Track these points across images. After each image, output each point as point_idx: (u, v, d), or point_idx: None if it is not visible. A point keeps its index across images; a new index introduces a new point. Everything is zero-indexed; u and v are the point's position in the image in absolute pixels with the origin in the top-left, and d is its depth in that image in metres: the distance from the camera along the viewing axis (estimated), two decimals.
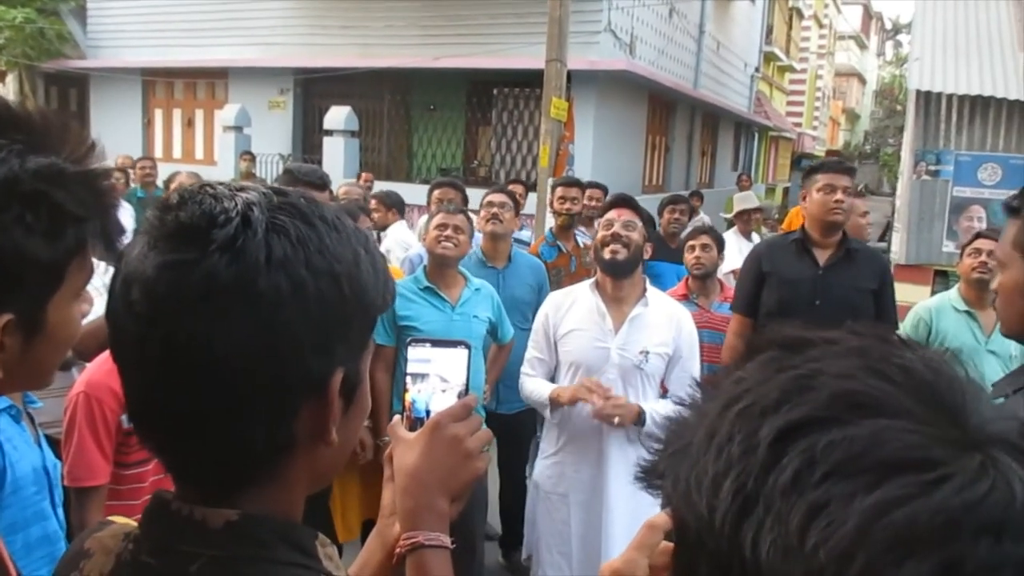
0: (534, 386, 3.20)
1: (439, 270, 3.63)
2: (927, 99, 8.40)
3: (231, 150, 13.06)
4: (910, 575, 0.39)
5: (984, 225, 7.91)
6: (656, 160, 16.12)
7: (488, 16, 12.31)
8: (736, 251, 6.28)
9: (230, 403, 0.66)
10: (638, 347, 3.05)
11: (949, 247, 8.16)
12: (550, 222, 8.13)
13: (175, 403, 0.67)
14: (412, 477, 0.96)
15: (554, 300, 3.28)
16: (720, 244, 4.60)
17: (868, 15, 49.31)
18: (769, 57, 25.33)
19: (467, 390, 1.05)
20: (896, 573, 0.39)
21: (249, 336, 0.65)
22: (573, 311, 3.16)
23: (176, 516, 0.71)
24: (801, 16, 31.09)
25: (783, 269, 3.60)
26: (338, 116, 12.69)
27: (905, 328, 3.98)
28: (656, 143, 15.98)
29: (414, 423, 1.03)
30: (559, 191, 5.31)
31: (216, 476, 0.71)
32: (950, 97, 8.29)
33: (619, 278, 3.10)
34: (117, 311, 0.69)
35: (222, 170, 12.17)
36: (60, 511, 1.86)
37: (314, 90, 14.27)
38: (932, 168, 8.42)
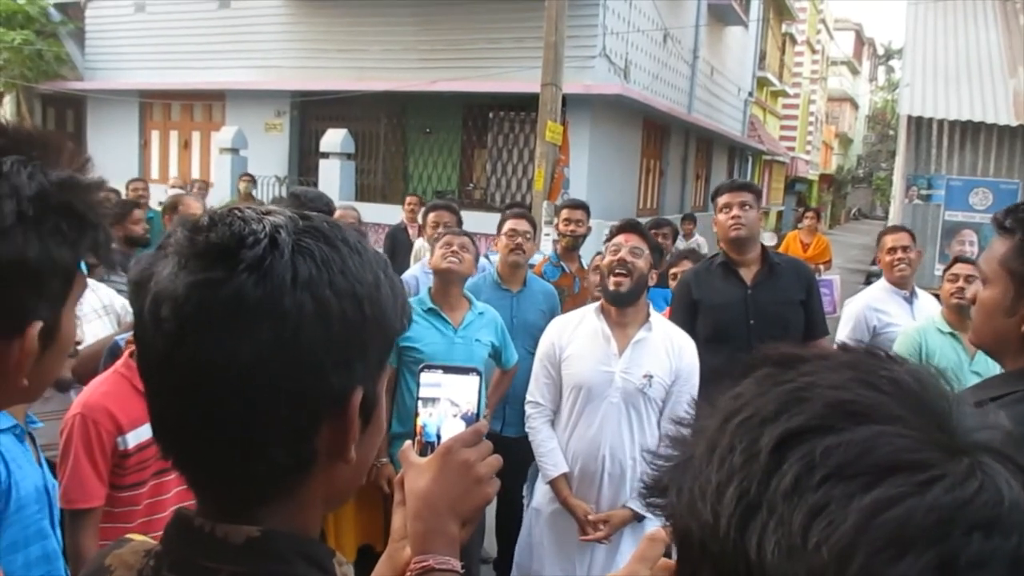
0: (543, 446, 3.19)
1: (444, 289, 3.59)
2: (918, 124, 8.50)
3: (227, 172, 13.11)
4: (907, 570, 0.41)
5: (976, 249, 7.98)
6: (651, 183, 16.20)
7: (484, 40, 12.42)
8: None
9: (254, 418, 0.68)
10: (641, 371, 3.04)
11: (941, 271, 8.22)
12: (546, 243, 8.20)
13: (200, 419, 0.70)
14: (423, 501, 0.98)
15: (559, 323, 3.27)
16: None
17: (860, 41, 49.81)
18: (762, 82, 25.54)
19: (478, 416, 1.07)
20: (895, 569, 0.41)
21: (274, 353, 0.67)
22: (578, 334, 3.15)
23: (198, 532, 0.72)
24: (794, 42, 31.39)
25: (712, 295, 3.63)
26: (334, 138, 12.76)
27: (898, 349, 4.01)
28: (650, 166, 16.07)
29: (425, 448, 1.05)
30: (564, 213, 5.37)
31: (238, 492, 0.73)
32: (941, 122, 8.39)
33: (625, 305, 3.09)
34: (146, 329, 0.71)
35: (218, 192, 12.20)
36: (59, 530, 1.86)
37: (311, 112, 14.34)
38: (924, 192, 8.50)
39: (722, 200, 3.68)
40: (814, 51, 36.47)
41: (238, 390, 0.67)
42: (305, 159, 14.39)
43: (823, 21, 38.34)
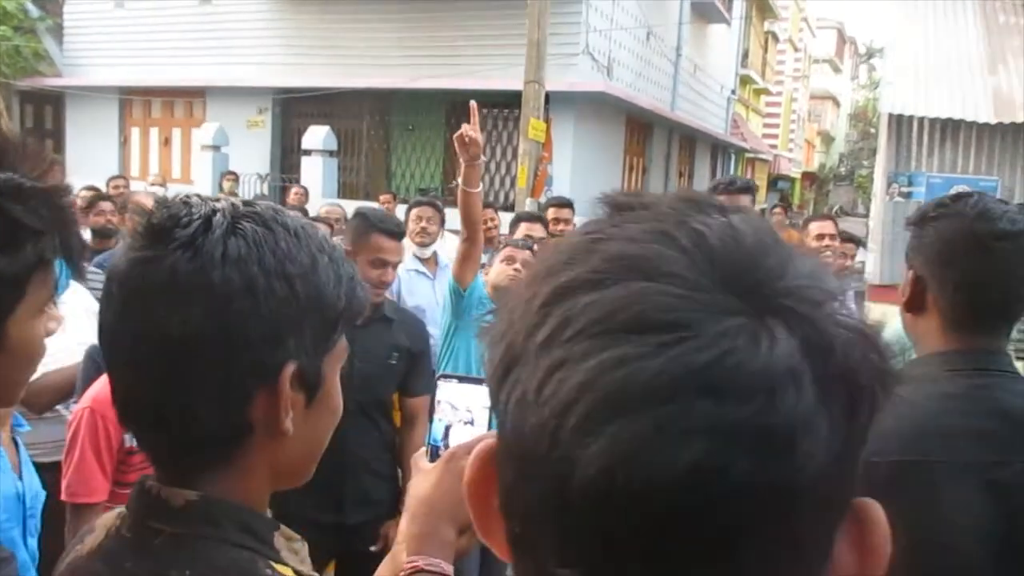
0: None
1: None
2: (899, 122, 8.53)
3: (208, 169, 13.02)
4: (620, 431, 0.38)
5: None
6: (634, 181, 16.23)
7: (467, 38, 12.39)
8: None
9: (188, 388, 0.74)
10: None
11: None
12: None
13: (143, 389, 0.76)
14: (422, 504, 1.00)
15: None
16: None
17: (842, 39, 50.08)
18: (745, 80, 25.64)
19: (489, 426, 1.08)
20: (606, 429, 0.38)
21: (204, 325, 0.73)
22: None
23: (148, 495, 0.79)
24: (776, 40, 31.53)
25: None
26: (317, 136, 12.70)
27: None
28: (634, 164, 16.10)
29: (433, 454, 1.09)
30: (551, 211, 5.38)
31: (179, 459, 0.78)
32: (921, 120, 8.43)
33: None
34: (103, 306, 0.77)
35: (199, 189, 12.09)
36: (33, 541, 1.82)
37: (293, 110, 14.27)
38: (904, 190, 8.54)
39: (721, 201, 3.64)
40: (796, 49, 36.65)
41: (173, 360, 0.73)
42: (288, 156, 14.32)
43: (805, 20, 38.53)
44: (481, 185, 3.18)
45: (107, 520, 0.84)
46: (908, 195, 8.51)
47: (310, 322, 0.77)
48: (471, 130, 2.94)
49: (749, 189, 3.74)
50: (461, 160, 3.02)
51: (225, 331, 0.73)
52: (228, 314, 0.73)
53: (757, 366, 0.38)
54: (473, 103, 3.09)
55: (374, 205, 10.50)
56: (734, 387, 0.38)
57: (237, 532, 0.77)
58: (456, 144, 2.99)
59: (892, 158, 8.61)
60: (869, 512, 0.45)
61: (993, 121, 7.97)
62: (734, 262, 0.41)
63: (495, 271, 3.32)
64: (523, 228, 4.37)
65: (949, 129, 8.38)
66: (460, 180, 3.07)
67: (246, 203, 0.80)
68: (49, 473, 2.22)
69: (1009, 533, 1.30)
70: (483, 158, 3.20)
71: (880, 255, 8.61)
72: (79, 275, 1.01)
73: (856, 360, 0.41)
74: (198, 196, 0.79)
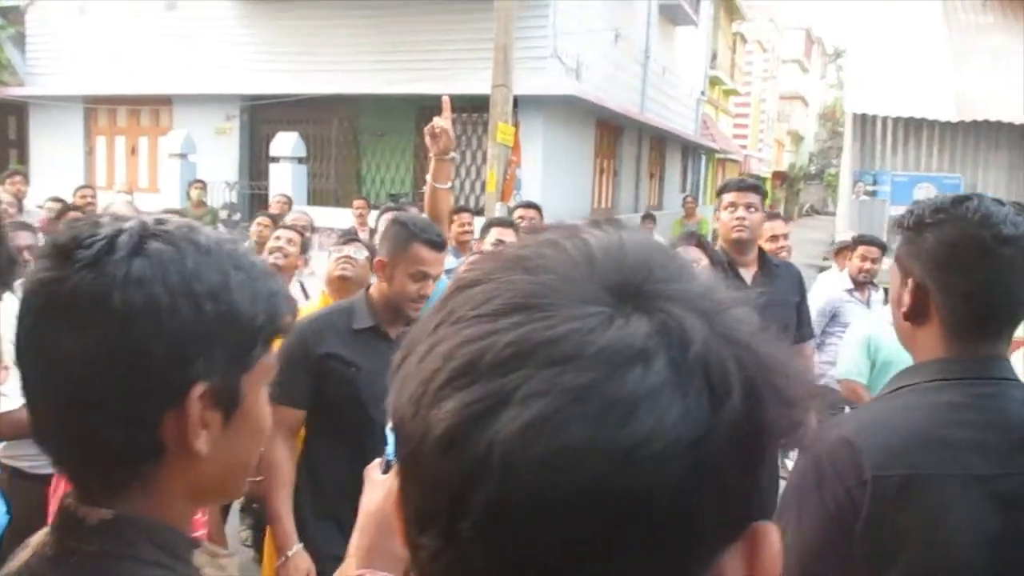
0: None
1: None
2: (864, 121, 8.65)
3: (176, 178, 12.87)
4: (466, 396, 0.41)
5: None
6: (605, 183, 16.28)
7: (435, 42, 12.36)
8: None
9: (92, 407, 0.74)
10: None
11: (886, 264, 8.36)
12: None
13: (50, 407, 0.77)
14: (370, 517, 1.01)
15: None
16: None
17: (810, 40, 50.58)
18: (714, 81, 25.82)
19: None
20: (456, 394, 0.42)
21: (105, 346, 0.72)
22: None
23: (66, 513, 0.79)
24: (745, 41, 31.79)
25: None
26: (285, 142, 12.60)
27: (850, 341, 4.06)
28: (604, 166, 16.15)
29: (387, 467, 1.07)
30: (519, 212, 5.42)
31: (93, 478, 0.78)
32: (885, 119, 8.54)
33: None
34: (16, 327, 0.78)
35: (166, 198, 11.99)
36: None
37: (261, 116, 14.15)
38: (870, 188, 8.65)
39: (728, 198, 3.63)
40: (764, 50, 36.97)
41: (76, 382, 0.73)
42: (256, 163, 14.20)
43: (773, 20, 38.87)
44: (451, 183, 3.15)
45: (38, 537, 0.84)
46: (873, 193, 8.62)
47: (222, 340, 0.76)
48: (442, 122, 2.92)
49: (758, 188, 3.75)
50: (431, 154, 2.99)
51: (127, 352, 0.72)
52: (129, 335, 0.72)
53: (604, 342, 0.41)
54: (446, 97, 3.09)
55: (345, 211, 10.45)
56: (578, 358, 0.41)
57: (151, 550, 0.77)
58: (427, 137, 2.97)
59: (857, 157, 8.72)
60: (765, 536, 0.46)
61: (955, 120, 8.08)
62: (614, 265, 0.45)
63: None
64: (494, 233, 4.36)
65: (912, 128, 8.50)
66: (430, 176, 3.04)
67: (158, 221, 0.79)
68: (46, 485, 2.26)
69: (1011, 548, 1.28)
70: (454, 154, 3.17)
71: None
72: (6, 287, 1.01)
73: (721, 362, 0.42)
74: (110, 216, 0.79)
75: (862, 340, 4.01)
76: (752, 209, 3.58)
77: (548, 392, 0.40)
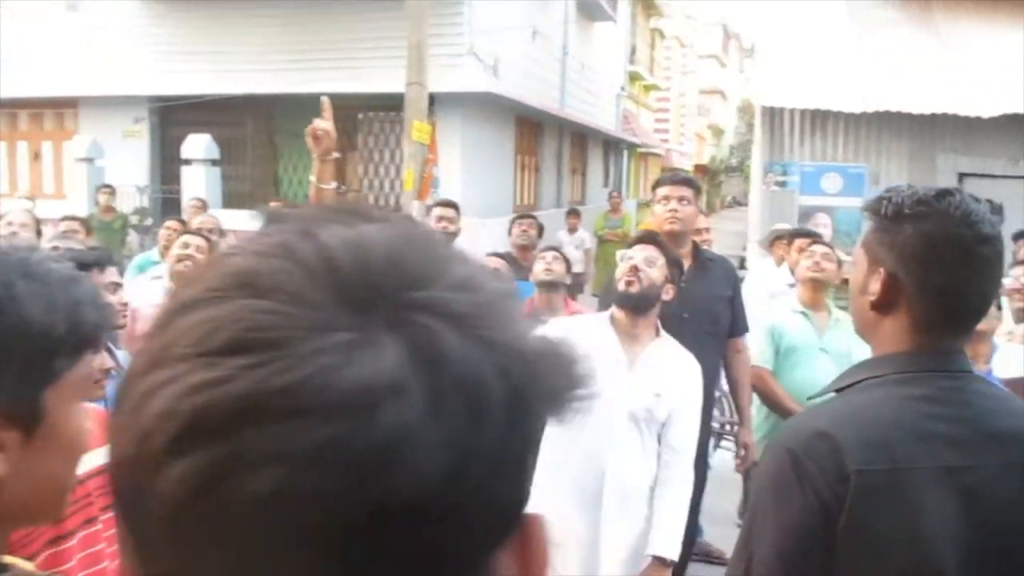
0: None
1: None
2: (772, 114, 8.83)
3: (83, 183, 12.42)
4: (191, 467, 0.36)
5: (830, 232, 8.35)
6: (527, 180, 16.31)
7: (349, 41, 12.20)
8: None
9: None
10: (652, 389, 2.88)
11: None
12: None
13: None
14: None
15: (562, 327, 3.02)
16: (568, 263, 4.64)
17: (727, 35, 51.67)
18: (634, 76, 26.13)
19: None
20: (177, 462, 0.36)
21: None
22: (589, 338, 2.85)
23: None
24: (663, 37, 32.26)
25: None
26: (197, 144, 12.28)
27: (759, 333, 4.13)
28: (526, 163, 16.17)
29: None
30: (436, 211, 5.40)
31: None
32: (793, 111, 8.74)
33: (634, 314, 2.95)
34: None
35: (73, 204, 11.53)
36: None
37: (172, 118, 13.75)
38: (780, 179, 8.84)
39: (661, 192, 3.66)
40: (683, 46, 37.61)
41: None
42: (168, 167, 13.79)
43: (690, 17, 39.56)
44: (335, 182, 3.15)
45: None
46: (783, 184, 8.81)
47: (9, 354, 0.71)
48: (323, 123, 2.89)
49: (691, 182, 3.79)
50: (314, 155, 2.99)
51: None
52: None
53: (347, 384, 0.36)
54: (325, 99, 3.08)
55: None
56: (319, 407, 0.36)
57: None
58: (308, 139, 2.96)
59: (767, 149, 8.91)
60: (533, 527, 0.44)
61: (858, 111, 8.31)
62: (358, 275, 0.40)
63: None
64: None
65: (819, 119, 8.72)
66: (313, 176, 3.02)
67: None
68: None
69: (976, 540, 1.29)
70: (337, 154, 3.18)
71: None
72: None
73: (480, 377, 0.39)
74: None
75: (766, 329, 4.09)
76: (685, 202, 3.62)
77: (285, 455, 0.35)
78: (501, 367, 0.40)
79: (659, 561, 2.87)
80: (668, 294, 3.01)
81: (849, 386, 1.43)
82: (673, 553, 2.87)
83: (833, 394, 1.47)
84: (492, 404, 0.39)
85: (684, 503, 2.96)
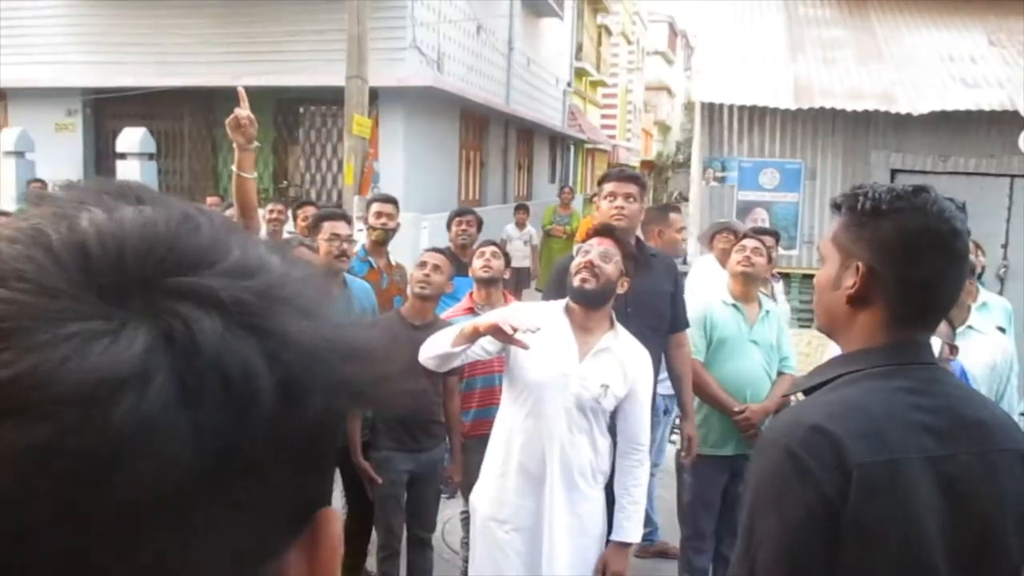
0: (441, 335, 2.89)
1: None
2: (711, 109, 8.91)
3: (12, 177, 12.03)
4: None
5: (767, 226, 8.47)
6: (472, 175, 16.27)
7: (288, 33, 12.03)
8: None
9: None
10: (599, 380, 2.96)
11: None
12: (359, 237, 8.01)
13: None
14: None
15: (519, 309, 3.16)
16: (507, 257, 4.63)
17: (673, 32, 52.15)
18: (581, 72, 26.24)
19: None
20: None
21: None
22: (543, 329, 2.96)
23: None
24: (610, 33, 32.44)
25: None
26: (132, 138, 11.96)
27: (692, 321, 4.18)
28: (471, 158, 16.13)
29: None
30: (375, 207, 5.31)
31: None
32: (731, 107, 8.83)
33: (588, 308, 3.01)
34: None
35: (2, 199, 11.17)
36: None
37: (106, 111, 13.42)
38: (719, 174, 8.92)
39: (608, 188, 3.70)
40: (629, 42, 37.86)
41: None
42: (102, 161, 13.46)
43: (637, 14, 39.85)
44: (255, 172, 3.16)
45: None
46: (723, 179, 8.90)
47: None
48: (242, 112, 2.95)
49: (638, 179, 3.84)
50: (235, 145, 3.00)
51: None
52: None
53: (78, 376, 0.33)
54: (240, 88, 3.14)
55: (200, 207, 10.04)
56: (41, 402, 0.33)
57: None
58: (229, 129, 2.98)
59: (707, 144, 8.99)
60: (325, 522, 0.43)
61: (794, 107, 8.43)
62: (112, 261, 0.37)
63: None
64: (326, 228, 4.24)
65: (756, 115, 8.82)
66: (235, 166, 3.03)
67: None
68: None
69: (956, 527, 1.31)
70: (258, 143, 3.19)
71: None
72: None
73: (243, 363, 0.37)
74: None
75: (698, 320, 4.12)
76: (631, 199, 3.67)
77: (7, 454, 0.33)
78: (271, 356, 0.38)
79: (620, 545, 3.02)
80: (622, 287, 3.08)
81: (826, 382, 1.44)
82: (635, 537, 3.03)
83: (801, 395, 1.50)
84: (258, 395, 0.37)
85: (643, 489, 3.09)
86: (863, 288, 1.40)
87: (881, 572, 1.31)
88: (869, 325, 1.42)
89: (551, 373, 2.96)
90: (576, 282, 2.99)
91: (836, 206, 1.49)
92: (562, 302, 3.12)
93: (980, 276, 5.14)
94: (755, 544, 1.36)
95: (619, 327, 3.12)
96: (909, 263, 1.39)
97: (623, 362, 3.03)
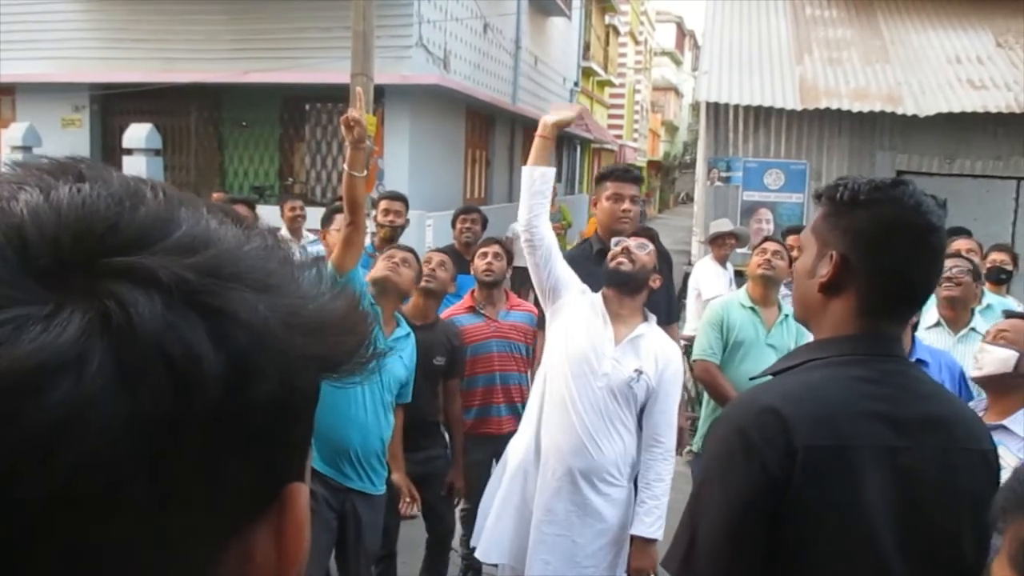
0: (526, 173, 3.20)
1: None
2: (716, 110, 8.91)
3: None
4: None
5: (772, 226, 8.46)
6: (477, 173, 16.27)
7: (295, 30, 12.04)
8: (714, 276, 6.38)
9: None
10: (633, 365, 3.01)
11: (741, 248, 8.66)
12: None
13: None
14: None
15: (580, 285, 3.25)
16: (510, 255, 4.62)
17: (681, 33, 52.06)
18: (588, 72, 26.19)
19: None
20: None
21: None
22: (583, 307, 3.11)
23: None
24: (617, 33, 32.38)
25: (591, 281, 3.56)
26: (138, 134, 11.99)
27: (704, 323, 4.17)
28: (476, 156, 16.13)
29: None
30: (383, 204, 5.31)
31: None
32: (736, 107, 8.82)
33: (623, 293, 3.08)
34: None
35: None
36: None
37: (113, 107, 13.45)
38: (724, 175, 8.92)
39: (611, 187, 3.71)
40: (637, 42, 37.79)
41: None
42: (109, 157, 13.48)
43: (645, 13, 39.78)
44: (366, 171, 3.25)
45: None
46: (727, 179, 8.90)
47: None
48: (355, 112, 3.06)
49: (639, 180, 3.88)
50: (346, 143, 3.13)
51: None
52: None
53: (7, 364, 0.33)
54: (358, 88, 3.30)
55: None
56: None
57: None
58: (342, 127, 3.11)
59: (712, 145, 8.99)
60: (293, 498, 0.43)
61: (799, 108, 8.42)
62: (49, 244, 0.36)
63: (378, 266, 3.55)
64: (338, 220, 4.26)
65: (761, 116, 8.81)
66: (346, 164, 3.15)
67: None
68: None
69: (907, 517, 1.33)
70: (370, 143, 3.35)
71: (704, 238, 8.96)
72: None
73: (185, 343, 0.36)
74: None
75: (716, 322, 4.11)
76: (636, 201, 3.74)
77: None
78: (218, 335, 0.37)
79: (642, 541, 3.03)
80: (655, 283, 3.17)
81: (793, 367, 1.46)
82: (654, 534, 3.02)
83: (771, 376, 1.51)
84: (203, 376, 0.36)
85: (665, 485, 3.11)
86: (836, 276, 1.42)
87: (822, 555, 1.33)
88: (840, 314, 1.43)
89: (589, 348, 3.03)
90: (612, 264, 3.10)
91: (818, 196, 1.51)
92: (597, 294, 3.19)
93: (1008, 281, 5.11)
94: (699, 513, 1.39)
95: (652, 320, 3.19)
96: (882, 253, 1.40)
97: (656, 353, 3.09)
